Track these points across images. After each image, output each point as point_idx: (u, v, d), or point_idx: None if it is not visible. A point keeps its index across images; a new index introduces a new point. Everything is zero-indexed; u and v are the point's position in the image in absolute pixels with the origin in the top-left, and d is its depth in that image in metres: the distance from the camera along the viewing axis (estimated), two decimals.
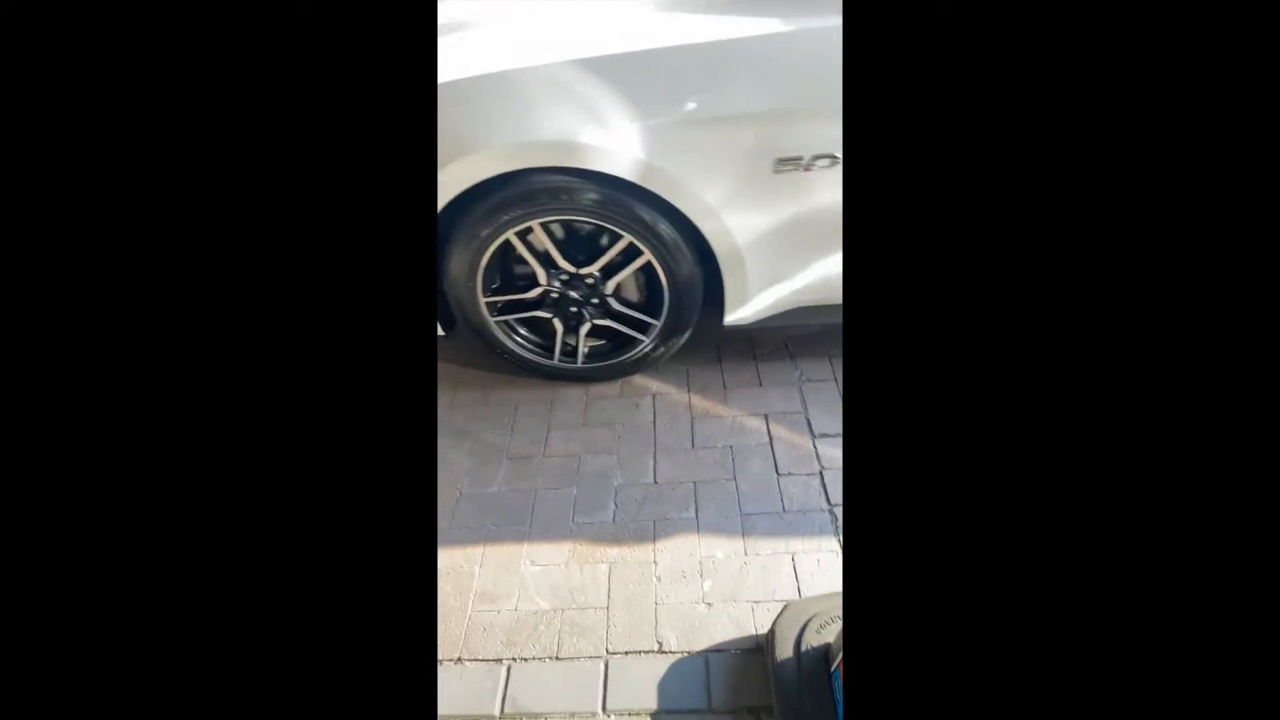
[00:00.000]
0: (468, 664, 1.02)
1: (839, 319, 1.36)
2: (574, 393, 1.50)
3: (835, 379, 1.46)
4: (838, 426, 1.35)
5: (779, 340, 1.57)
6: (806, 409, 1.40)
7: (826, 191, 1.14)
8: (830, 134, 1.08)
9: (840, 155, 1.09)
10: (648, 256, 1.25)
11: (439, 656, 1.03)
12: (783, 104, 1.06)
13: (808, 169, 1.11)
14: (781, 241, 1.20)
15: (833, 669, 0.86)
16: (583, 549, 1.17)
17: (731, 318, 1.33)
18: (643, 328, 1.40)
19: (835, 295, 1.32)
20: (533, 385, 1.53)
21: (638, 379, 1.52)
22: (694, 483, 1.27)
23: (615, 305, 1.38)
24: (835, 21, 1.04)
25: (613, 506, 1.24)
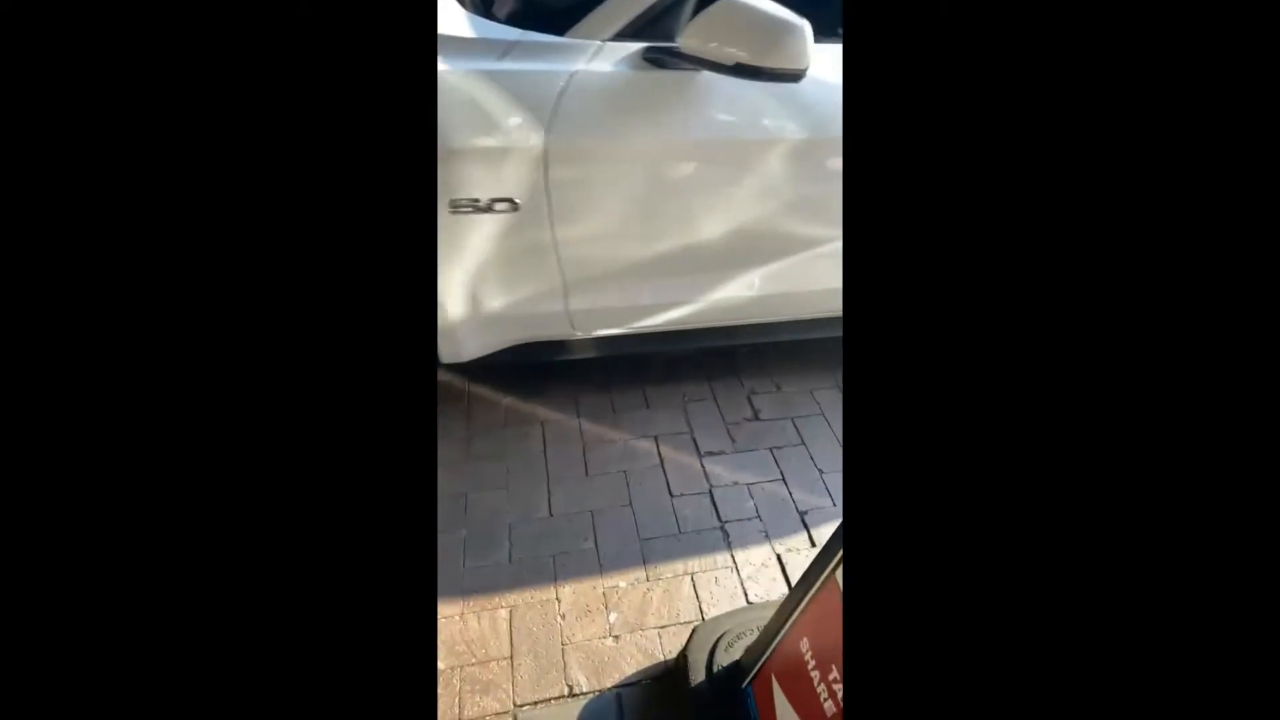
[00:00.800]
0: None
1: (712, 342, 1.44)
2: (455, 424, 1.41)
3: (714, 398, 1.54)
4: (721, 444, 1.42)
5: (662, 362, 1.61)
6: (692, 429, 1.45)
7: (518, 233, 1.11)
8: (512, 176, 1.05)
9: (520, 201, 1.08)
10: None
11: None
12: (456, 145, 1.00)
13: (486, 210, 1.07)
14: (471, 281, 1.17)
15: (744, 685, 0.90)
16: (479, 598, 1.09)
17: (445, 356, 1.26)
18: None
19: (545, 332, 1.30)
20: None
21: (525, 406, 1.46)
22: (590, 511, 1.25)
23: None
24: (502, 65, 1.01)
25: (507, 545, 1.18)
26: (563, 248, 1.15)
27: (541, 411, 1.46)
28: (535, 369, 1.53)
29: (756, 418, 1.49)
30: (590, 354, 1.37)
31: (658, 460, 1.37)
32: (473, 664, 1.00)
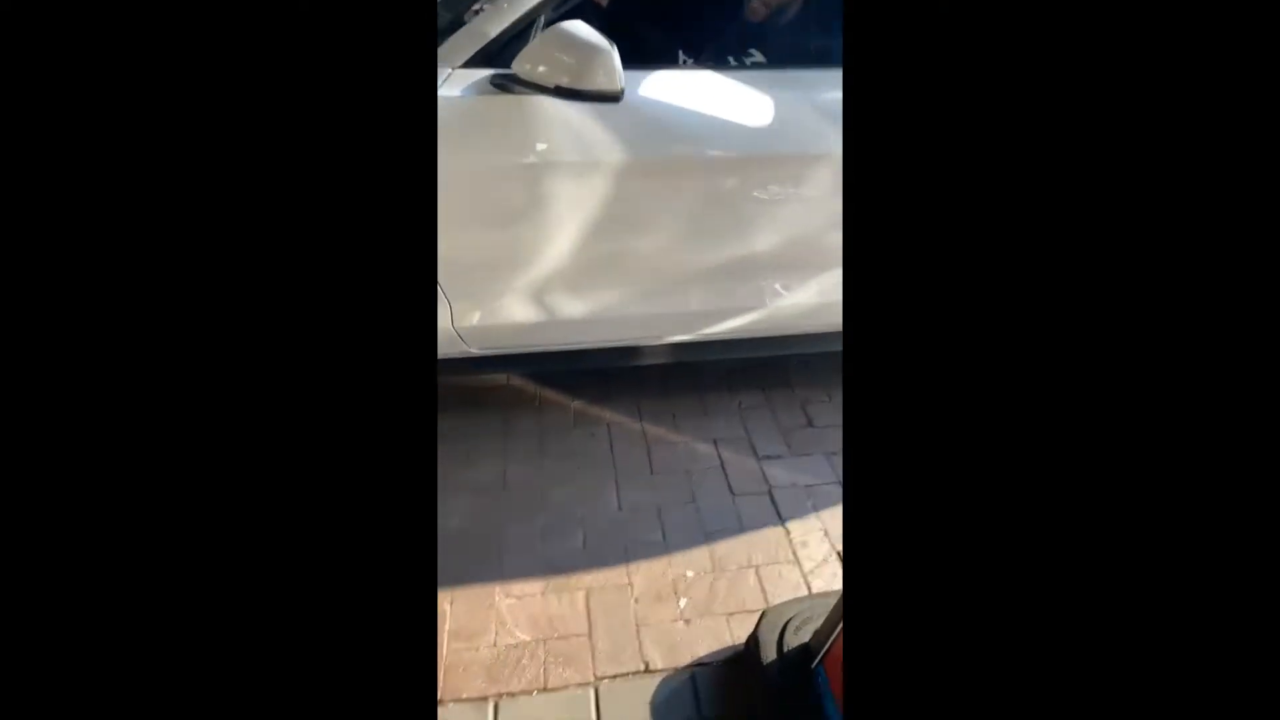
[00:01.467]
0: (450, 705, 0.97)
1: (767, 352, 1.52)
2: (528, 423, 1.50)
3: (769, 406, 1.61)
4: (778, 449, 1.48)
5: (720, 372, 1.70)
6: (749, 434, 1.52)
7: None
8: None
9: None
10: None
11: None
12: None
13: None
14: None
15: (814, 665, 0.95)
16: (557, 578, 1.17)
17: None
18: None
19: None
20: (484, 416, 1.51)
21: (591, 409, 1.56)
22: (657, 507, 1.33)
23: None
24: None
25: (581, 534, 1.26)
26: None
27: (607, 414, 1.55)
28: (596, 375, 1.63)
29: (810, 425, 1.55)
30: (661, 360, 1.46)
31: (718, 462, 1.44)
32: (554, 638, 1.07)
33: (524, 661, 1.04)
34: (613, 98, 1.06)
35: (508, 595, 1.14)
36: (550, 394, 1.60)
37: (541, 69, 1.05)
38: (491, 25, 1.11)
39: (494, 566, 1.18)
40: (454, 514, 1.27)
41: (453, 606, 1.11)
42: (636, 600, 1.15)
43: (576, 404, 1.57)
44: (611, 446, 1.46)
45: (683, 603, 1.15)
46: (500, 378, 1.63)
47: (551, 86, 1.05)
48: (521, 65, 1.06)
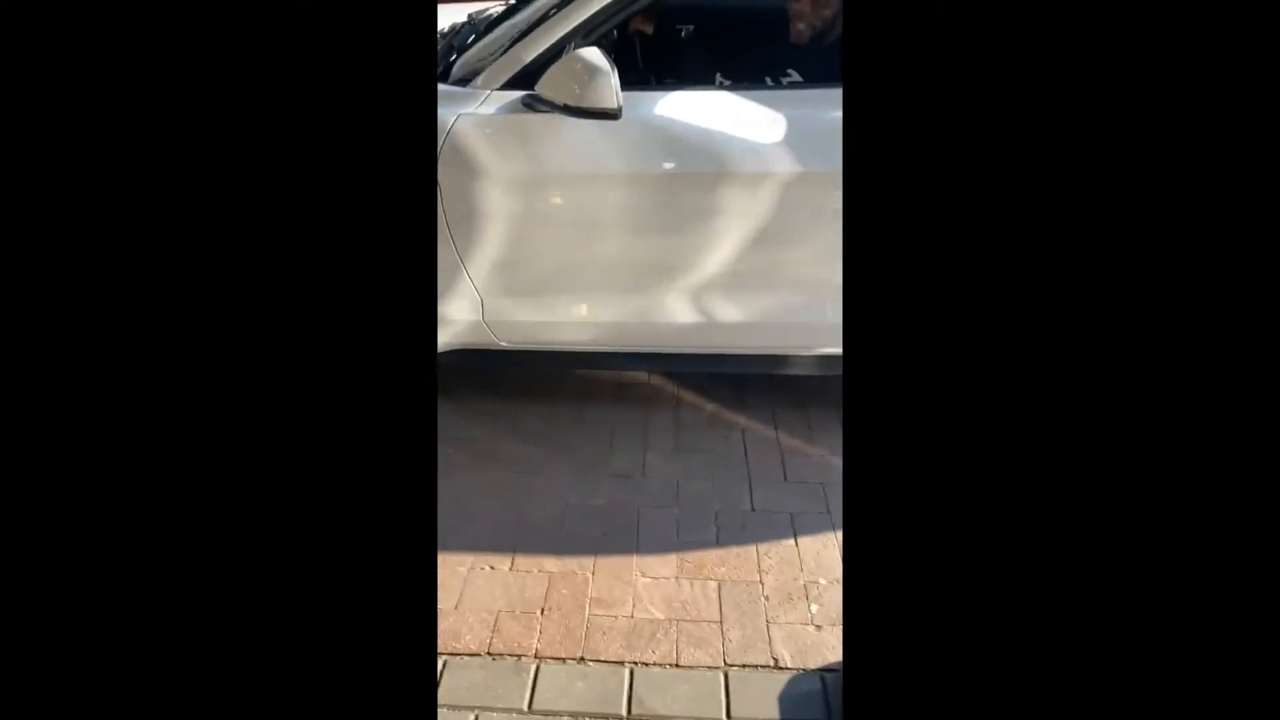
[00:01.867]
0: (590, 664, 1.05)
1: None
2: (666, 420, 1.58)
3: None
4: None
5: None
6: None
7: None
8: None
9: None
10: None
11: (561, 655, 1.06)
12: None
13: None
14: None
15: None
16: (691, 565, 1.22)
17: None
18: None
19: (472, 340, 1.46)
20: (626, 409, 1.61)
21: (727, 413, 1.60)
22: (790, 513, 1.33)
23: None
24: None
25: (715, 528, 1.30)
26: (470, 266, 1.34)
27: (742, 420, 1.59)
28: (734, 380, 1.67)
29: None
30: (798, 371, 1.48)
31: None
32: (687, 620, 1.12)
33: (658, 636, 1.09)
34: (611, 115, 1.18)
35: (644, 574, 1.20)
36: (688, 394, 1.67)
37: (556, 90, 1.19)
38: (526, 52, 1.28)
39: (631, 546, 1.26)
40: (598, 494, 1.37)
41: (594, 576, 1.20)
42: (767, 598, 1.16)
43: (712, 407, 1.62)
44: (746, 450, 1.49)
45: (814, 609, 1.14)
46: (641, 375, 1.72)
47: (562, 105, 1.20)
48: (543, 87, 1.20)
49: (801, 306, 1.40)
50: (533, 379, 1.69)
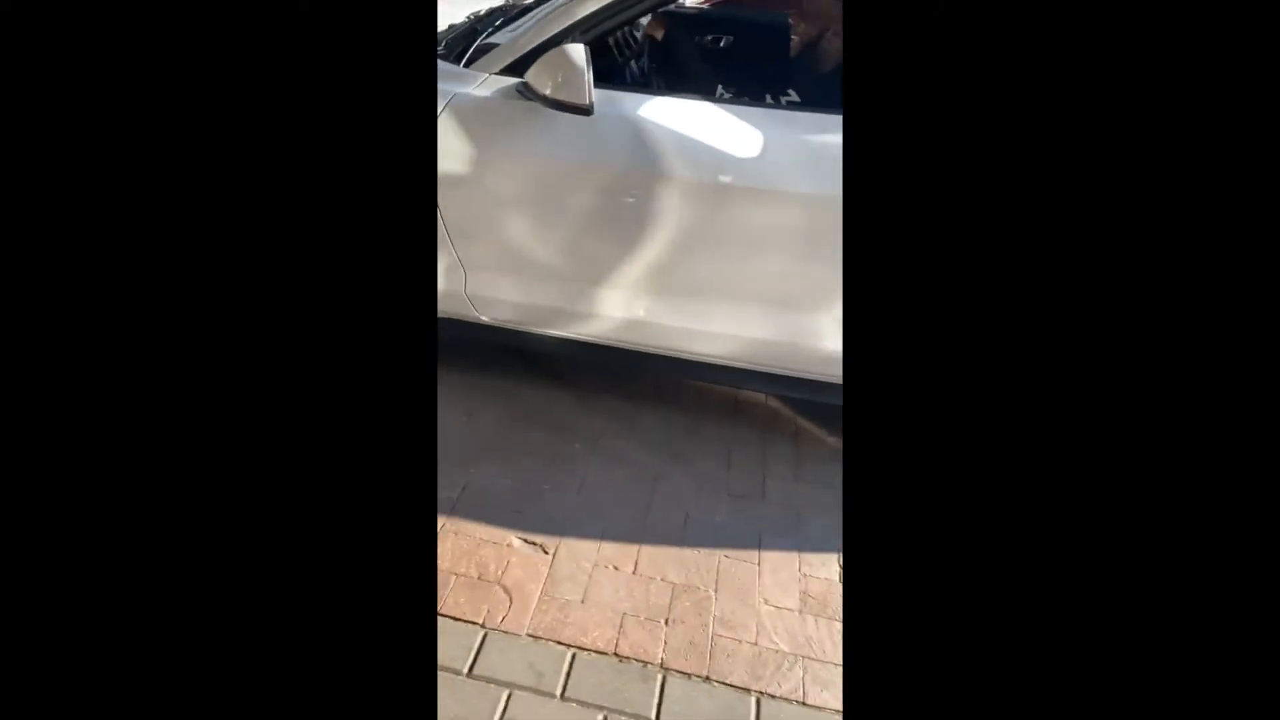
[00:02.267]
0: (716, 685, 1.03)
1: None
2: (785, 449, 1.55)
3: None
4: None
5: None
6: None
7: None
8: None
9: None
10: None
11: (687, 670, 1.05)
12: None
13: None
14: None
15: None
16: (815, 601, 1.19)
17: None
18: None
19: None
20: (741, 428, 1.59)
21: None
22: None
23: None
24: None
25: (837, 566, 1.26)
26: (455, 237, 1.37)
27: None
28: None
29: None
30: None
31: None
32: (812, 659, 1.09)
33: (784, 669, 1.06)
34: (584, 111, 1.21)
35: (766, 602, 1.18)
36: (807, 424, 1.64)
37: (540, 81, 1.23)
38: (526, 40, 1.31)
39: (752, 571, 1.23)
40: (717, 510, 1.35)
41: (716, 595, 1.18)
42: None
43: (833, 440, 1.59)
44: None
45: None
46: (759, 396, 1.70)
47: (542, 96, 1.23)
48: (530, 77, 1.24)
49: (726, 316, 1.39)
50: (649, 386, 1.69)
